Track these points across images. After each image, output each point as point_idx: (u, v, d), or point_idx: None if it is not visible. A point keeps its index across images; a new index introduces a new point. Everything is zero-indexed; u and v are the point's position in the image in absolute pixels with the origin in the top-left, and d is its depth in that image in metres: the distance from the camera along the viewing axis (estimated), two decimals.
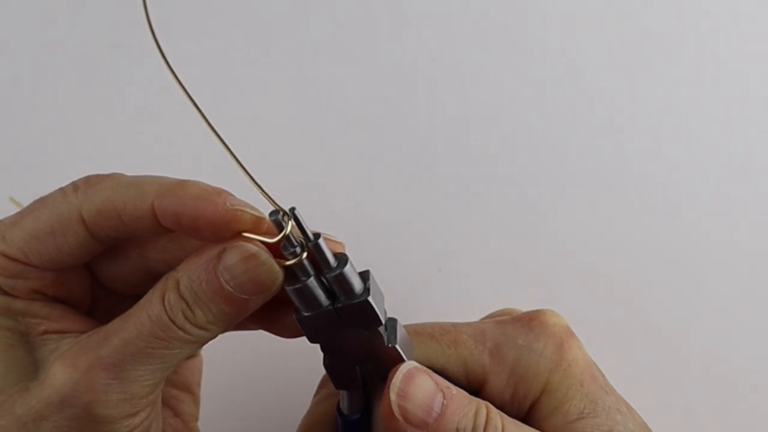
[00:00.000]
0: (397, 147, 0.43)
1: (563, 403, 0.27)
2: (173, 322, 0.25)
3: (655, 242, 0.42)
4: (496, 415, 0.26)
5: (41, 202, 0.27)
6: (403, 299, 0.40)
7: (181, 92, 0.27)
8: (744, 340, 0.41)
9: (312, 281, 0.25)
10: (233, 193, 0.26)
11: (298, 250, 0.25)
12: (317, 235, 0.25)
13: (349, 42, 0.45)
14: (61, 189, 0.27)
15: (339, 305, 0.25)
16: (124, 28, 0.44)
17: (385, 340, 0.26)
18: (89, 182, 0.26)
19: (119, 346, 0.25)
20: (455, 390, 0.26)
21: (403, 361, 0.26)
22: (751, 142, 0.44)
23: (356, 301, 0.25)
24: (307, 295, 0.25)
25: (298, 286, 0.25)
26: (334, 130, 0.43)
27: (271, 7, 0.45)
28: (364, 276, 0.26)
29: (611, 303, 0.41)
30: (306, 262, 0.25)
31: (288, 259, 0.25)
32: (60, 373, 0.25)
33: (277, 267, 0.25)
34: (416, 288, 0.41)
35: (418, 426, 0.25)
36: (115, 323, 0.26)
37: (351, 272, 0.25)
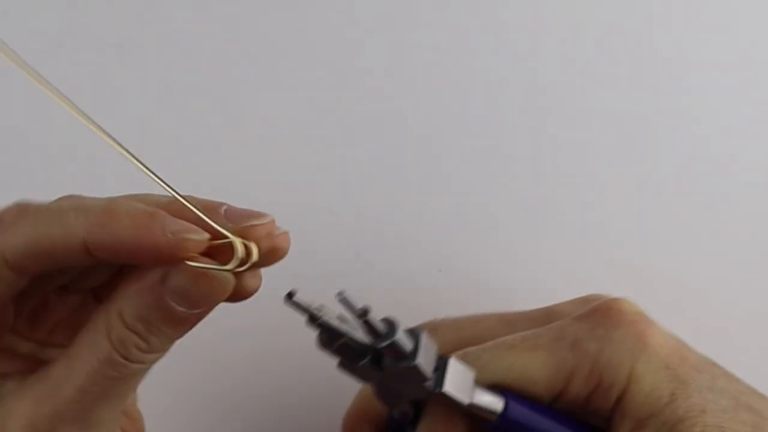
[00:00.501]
0: (397, 147, 0.43)
1: (653, 389, 0.26)
2: (127, 358, 0.23)
3: (657, 242, 0.42)
4: None
5: None
6: (403, 299, 0.40)
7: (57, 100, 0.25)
8: None
9: (348, 347, 0.25)
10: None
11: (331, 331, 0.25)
12: (365, 311, 0.25)
13: (349, 41, 0.45)
14: None
15: (384, 366, 0.26)
16: (124, 28, 0.44)
17: (432, 388, 0.26)
18: (2, 222, 0.24)
19: (76, 397, 0.23)
20: None
21: (455, 402, 0.26)
22: None
23: (403, 365, 0.25)
24: (346, 354, 0.26)
25: (341, 348, 0.26)
26: (334, 129, 0.43)
27: (273, 6, 0.45)
28: (416, 335, 0.26)
29: None
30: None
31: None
32: None
33: (226, 274, 0.23)
34: (416, 288, 0.41)
35: None
36: (61, 369, 0.24)
37: (402, 339, 0.25)
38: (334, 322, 0.25)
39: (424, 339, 0.26)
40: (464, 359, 0.27)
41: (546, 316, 0.30)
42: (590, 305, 0.29)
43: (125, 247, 0.22)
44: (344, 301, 0.25)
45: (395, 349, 0.25)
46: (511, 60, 0.44)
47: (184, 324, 0.24)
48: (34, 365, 0.25)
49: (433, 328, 0.30)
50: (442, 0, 0.45)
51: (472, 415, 0.27)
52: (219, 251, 0.23)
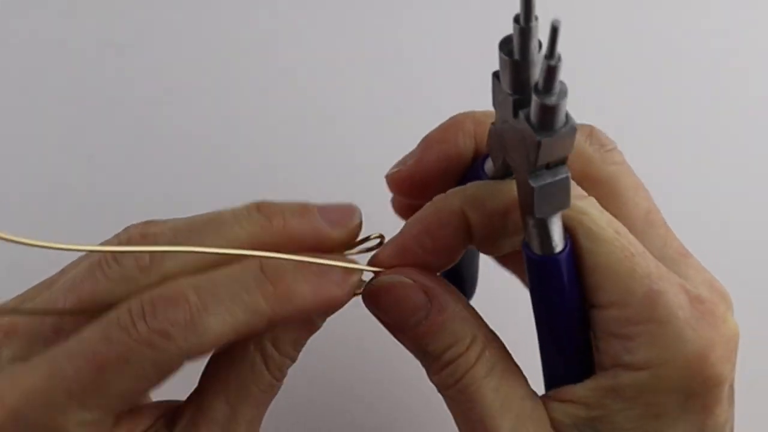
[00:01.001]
0: (397, 146, 0.43)
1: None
2: (280, 380, 0.25)
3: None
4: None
5: (117, 361, 0.21)
6: None
7: None
8: None
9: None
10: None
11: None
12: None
13: (350, 40, 0.45)
14: (142, 340, 0.21)
15: (523, 112, 0.21)
16: (124, 28, 0.44)
17: (529, 177, 0.22)
18: (177, 323, 0.21)
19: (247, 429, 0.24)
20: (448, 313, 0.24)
21: (531, 205, 0.22)
22: None
23: (531, 131, 0.21)
24: (512, 73, 0.22)
25: (512, 58, 0.21)
26: (335, 129, 0.43)
27: (273, 6, 0.45)
28: (569, 119, 0.21)
29: None
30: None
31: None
32: None
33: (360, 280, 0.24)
34: None
35: None
36: (224, 411, 0.24)
37: (562, 108, 0.20)
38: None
39: (569, 134, 0.21)
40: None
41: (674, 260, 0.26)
42: (703, 293, 0.25)
43: (309, 311, 0.23)
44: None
45: (547, 115, 0.20)
46: None
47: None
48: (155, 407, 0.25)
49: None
50: (443, 1, 0.45)
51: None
52: None
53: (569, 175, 0.22)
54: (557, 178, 0.22)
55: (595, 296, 0.24)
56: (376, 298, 0.24)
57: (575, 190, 0.24)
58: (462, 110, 0.28)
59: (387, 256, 0.25)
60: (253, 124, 0.43)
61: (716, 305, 0.24)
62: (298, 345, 0.25)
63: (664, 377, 0.23)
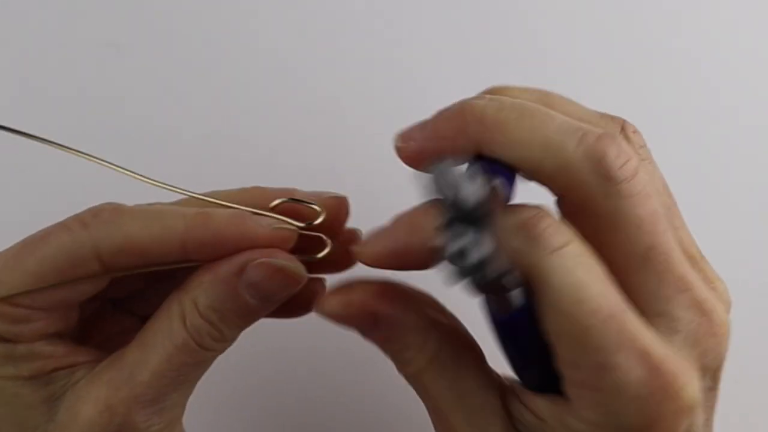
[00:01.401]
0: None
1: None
2: (201, 345, 0.25)
3: None
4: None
5: (41, 240, 0.25)
6: None
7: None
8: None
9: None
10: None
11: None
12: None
13: (350, 42, 0.45)
14: (64, 224, 0.25)
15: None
16: (124, 28, 0.44)
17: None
18: (100, 217, 0.25)
19: (152, 382, 0.24)
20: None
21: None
22: None
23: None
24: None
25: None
26: (335, 129, 0.43)
27: (273, 6, 0.45)
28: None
29: None
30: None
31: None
32: (93, 416, 0.24)
33: (301, 267, 0.25)
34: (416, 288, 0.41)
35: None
36: (134, 355, 0.25)
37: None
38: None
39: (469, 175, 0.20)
40: None
41: None
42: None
43: (224, 242, 0.24)
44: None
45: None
46: (511, 60, 0.44)
47: (254, 315, 0.25)
48: (103, 355, 0.26)
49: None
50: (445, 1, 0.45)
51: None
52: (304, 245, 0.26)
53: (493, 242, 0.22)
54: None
55: (551, 344, 0.24)
56: (330, 312, 0.25)
57: (553, 239, 0.22)
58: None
59: (371, 254, 0.25)
60: (253, 124, 0.43)
61: (677, 375, 0.22)
62: (222, 315, 0.24)
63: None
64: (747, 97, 0.46)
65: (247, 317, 0.25)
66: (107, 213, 0.25)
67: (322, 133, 0.43)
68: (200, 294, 0.24)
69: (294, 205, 0.26)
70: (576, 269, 0.22)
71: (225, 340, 0.25)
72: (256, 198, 0.26)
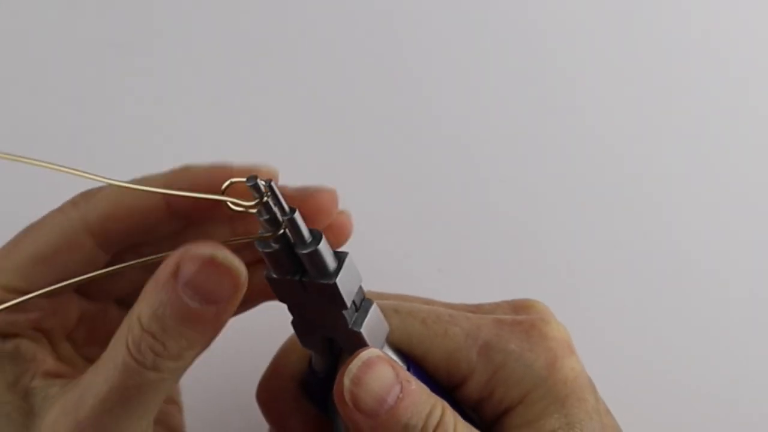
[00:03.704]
0: (397, 147, 0.43)
1: (538, 419, 0.26)
2: (142, 365, 0.22)
3: (658, 250, 0.42)
4: (451, 417, 0.24)
5: (37, 225, 0.25)
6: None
7: None
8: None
9: (281, 250, 0.23)
10: None
11: (273, 216, 0.23)
12: (293, 210, 0.23)
13: (351, 42, 0.45)
14: (57, 208, 0.25)
15: (306, 280, 0.24)
16: (124, 28, 0.44)
17: (350, 323, 0.25)
18: (87, 195, 0.26)
19: (95, 407, 0.22)
20: (415, 385, 0.24)
21: (366, 346, 0.25)
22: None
23: (323, 281, 0.24)
24: (276, 259, 0.24)
25: (269, 251, 0.23)
26: (335, 129, 0.43)
27: (273, 5, 0.45)
28: (340, 257, 0.24)
29: (613, 302, 0.41)
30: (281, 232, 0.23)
31: (265, 231, 0.23)
32: None
33: (237, 262, 0.22)
34: (416, 288, 0.41)
35: (368, 415, 0.23)
36: (88, 377, 0.23)
37: (325, 251, 0.23)
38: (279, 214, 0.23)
39: (349, 263, 0.24)
40: (381, 309, 0.26)
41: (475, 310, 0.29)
42: (519, 316, 0.28)
43: (203, 188, 0.24)
44: (273, 193, 0.22)
45: (316, 260, 0.23)
46: (511, 62, 0.44)
47: (199, 322, 0.22)
48: (81, 373, 0.25)
49: (377, 295, 0.29)
50: (436, 10, 0.45)
51: None
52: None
53: (374, 302, 0.25)
54: (370, 312, 0.25)
55: (450, 380, 0.27)
56: (358, 381, 0.24)
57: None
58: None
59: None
60: (254, 124, 0.43)
61: (532, 319, 0.27)
62: (164, 324, 0.22)
63: (537, 401, 0.26)
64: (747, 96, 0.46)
65: (192, 325, 0.22)
66: (93, 190, 0.26)
67: (323, 133, 0.43)
68: (144, 306, 0.22)
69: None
70: None
71: (172, 358, 0.22)
72: (194, 179, 0.27)
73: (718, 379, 0.40)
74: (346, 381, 0.24)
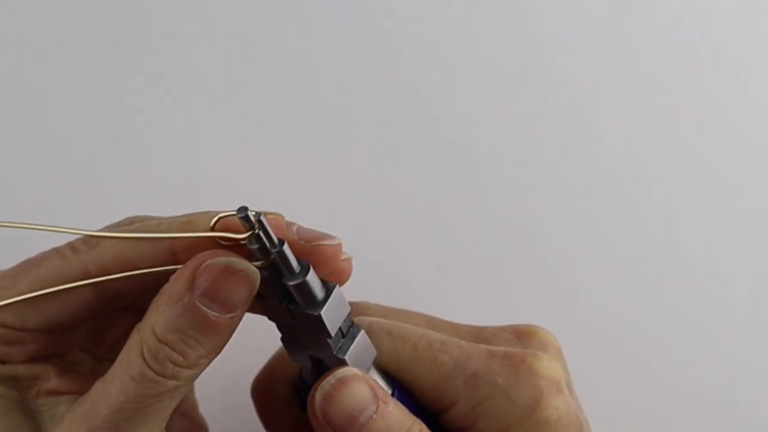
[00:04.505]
0: (397, 147, 0.43)
1: None
2: (161, 374, 0.23)
3: (658, 250, 0.42)
4: None
5: (35, 265, 0.25)
6: (403, 299, 0.40)
7: None
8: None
9: (269, 277, 0.24)
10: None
11: (263, 246, 0.23)
12: (282, 241, 0.23)
13: (351, 42, 0.45)
14: (56, 250, 0.25)
15: (293, 307, 0.24)
16: (124, 28, 0.44)
17: (334, 350, 0.25)
18: (89, 243, 0.25)
19: (109, 417, 0.23)
20: (392, 406, 0.25)
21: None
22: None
23: (309, 311, 0.24)
24: (265, 285, 0.24)
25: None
26: (336, 129, 0.43)
27: (274, 5, 0.45)
28: (329, 287, 0.25)
29: (613, 302, 0.41)
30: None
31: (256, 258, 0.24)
32: None
33: (251, 266, 0.23)
34: (416, 288, 0.41)
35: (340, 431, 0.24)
36: (98, 389, 0.24)
37: (313, 282, 0.24)
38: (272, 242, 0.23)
39: (337, 294, 0.25)
40: (369, 332, 0.27)
41: (473, 336, 0.29)
42: (513, 348, 0.28)
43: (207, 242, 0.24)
44: (261, 226, 0.23)
45: (304, 291, 0.24)
46: (511, 65, 0.44)
47: (217, 330, 0.23)
48: (88, 387, 0.25)
49: (363, 308, 0.29)
50: (437, 11, 0.45)
51: None
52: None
53: (362, 329, 0.26)
54: (357, 339, 0.25)
55: (435, 406, 0.27)
56: (329, 398, 0.25)
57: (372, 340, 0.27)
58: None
59: None
60: (254, 124, 0.43)
61: (524, 354, 0.27)
62: (183, 335, 0.23)
63: None
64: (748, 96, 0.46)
65: (211, 333, 0.23)
66: (96, 240, 0.25)
67: (323, 134, 0.43)
68: (158, 318, 0.23)
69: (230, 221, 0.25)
70: None
71: (190, 366, 0.23)
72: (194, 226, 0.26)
73: (718, 379, 0.40)
74: (318, 397, 0.24)
